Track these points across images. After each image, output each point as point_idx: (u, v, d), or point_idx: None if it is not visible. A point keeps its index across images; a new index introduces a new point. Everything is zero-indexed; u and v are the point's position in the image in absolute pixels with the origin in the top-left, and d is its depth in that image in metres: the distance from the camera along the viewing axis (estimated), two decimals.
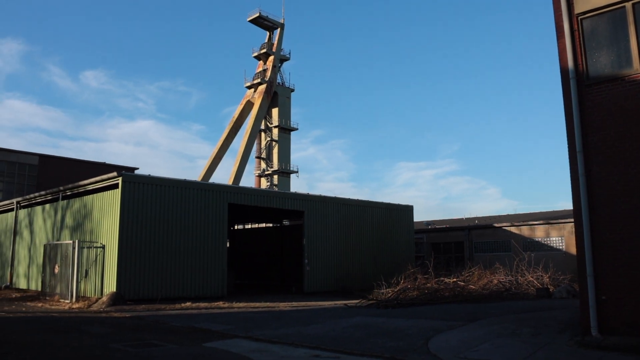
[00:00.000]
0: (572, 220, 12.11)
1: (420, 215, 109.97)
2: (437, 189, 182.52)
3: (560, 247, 36.99)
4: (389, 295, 23.65)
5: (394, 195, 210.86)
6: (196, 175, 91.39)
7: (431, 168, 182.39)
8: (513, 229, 39.85)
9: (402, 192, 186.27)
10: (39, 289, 28.06)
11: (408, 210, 37.92)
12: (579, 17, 11.81)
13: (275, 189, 78.58)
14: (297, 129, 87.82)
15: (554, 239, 37.57)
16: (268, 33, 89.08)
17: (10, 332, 13.92)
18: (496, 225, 41.58)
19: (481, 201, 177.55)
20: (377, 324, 15.84)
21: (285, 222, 41.65)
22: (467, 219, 53.41)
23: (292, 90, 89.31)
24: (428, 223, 54.20)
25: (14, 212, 35.19)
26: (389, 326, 15.33)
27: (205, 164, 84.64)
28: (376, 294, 24.45)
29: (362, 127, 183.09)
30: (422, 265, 30.60)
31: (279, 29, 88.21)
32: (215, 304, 22.99)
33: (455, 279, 26.24)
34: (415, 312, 19.16)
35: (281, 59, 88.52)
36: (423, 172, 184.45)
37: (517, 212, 61.64)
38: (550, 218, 39.93)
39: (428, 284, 24.97)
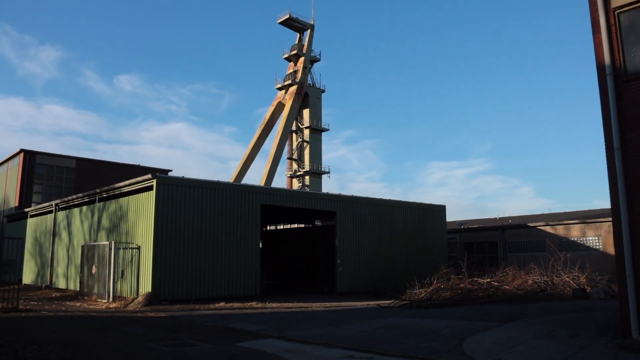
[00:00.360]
0: (610, 219, 11.86)
1: (452, 215, 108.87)
2: (470, 189, 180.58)
3: (597, 247, 36.22)
4: (422, 295, 23.51)
5: (426, 195, 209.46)
6: (228, 176, 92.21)
7: (463, 167, 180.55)
8: (548, 229, 39.17)
9: (434, 192, 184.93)
10: (77, 288, 28.68)
11: (440, 210, 37.62)
12: (616, 12, 11.56)
13: (307, 189, 78.81)
14: (328, 130, 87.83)
15: (591, 238, 36.80)
16: (298, 34, 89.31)
17: (52, 331, 14.27)
18: (530, 224, 40.95)
19: (514, 200, 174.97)
20: (411, 325, 15.76)
21: (317, 223, 41.73)
22: (501, 219, 52.76)
23: (323, 91, 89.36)
24: (461, 223, 53.71)
25: (53, 214, 36.08)
26: (423, 327, 15.24)
27: (237, 166, 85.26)
28: (409, 295, 24.33)
29: (393, 127, 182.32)
30: (455, 265, 30.34)
31: (309, 30, 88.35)
32: (249, 304, 23.17)
33: (489, 279, 25.94)
34: (448, 312, 19.01)
35: (311, 60, 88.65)
36: (455, 171, 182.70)
37: (552, 212, 60.56)
38: (586, 217, 39.14)
39: (461, 284, 24.74)
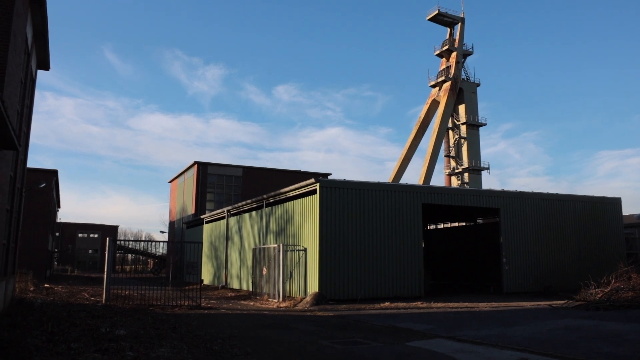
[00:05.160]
0: None
1: (629, 208, 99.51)
2: None
3: None
4: (599, 296, 21.91)
5: (596, 187, 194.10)
6: (385, 177, 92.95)
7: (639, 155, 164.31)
8: None
9: (605, 184, 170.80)
10: (250, 288, 30.66)
11: (615, 202, 34.64)
12: None
13: (466, 187, 76.82)
14: (485, 124, 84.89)
15: None
16: (448, 29, 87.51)
17: (233, 327, 15.46)
18: None
19: None
20: (589, 327, 14.79)
21: (479, 221, 40.57)
22: None
23: (478, 85, 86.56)
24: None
25: (225, 220, 38.96)
26: (603, 329, 14.24)
27: (394, 166, 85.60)
28: (583, 295, 22.78)
29: (556, 117, 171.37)
30: (636, 263, 27.84)
31: (459, 24, 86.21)
32: (414, 304, 23.20)
33: None
34: (632, 315, 17.53)
35: (464, 54, 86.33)
36: (629, 160, 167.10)
37: None
38: None
39: None
